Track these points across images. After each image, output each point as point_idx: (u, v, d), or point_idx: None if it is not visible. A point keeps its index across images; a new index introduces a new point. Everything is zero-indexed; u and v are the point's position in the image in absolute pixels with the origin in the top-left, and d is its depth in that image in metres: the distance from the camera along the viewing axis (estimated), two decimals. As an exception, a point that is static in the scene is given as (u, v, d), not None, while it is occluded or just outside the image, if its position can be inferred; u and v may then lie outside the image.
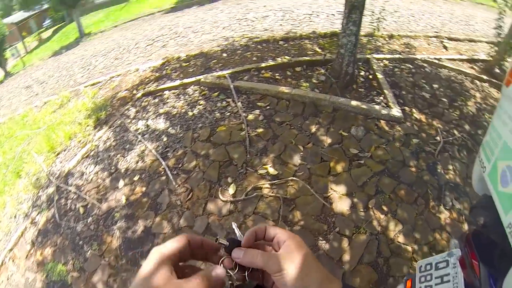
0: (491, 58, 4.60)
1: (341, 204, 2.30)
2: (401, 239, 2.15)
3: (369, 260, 2.00)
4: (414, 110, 3.28)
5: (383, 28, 4.97)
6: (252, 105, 3.12)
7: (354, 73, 3.35)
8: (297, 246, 0.44)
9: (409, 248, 2.10)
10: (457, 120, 3.36)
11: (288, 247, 0.44)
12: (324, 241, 2.07)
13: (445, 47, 4.91)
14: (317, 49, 4.15)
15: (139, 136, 3.14)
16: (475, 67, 4.58)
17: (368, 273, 1.93)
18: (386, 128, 2.93)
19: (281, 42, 4.43)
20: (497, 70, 4.59)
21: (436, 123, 3.20)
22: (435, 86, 3.76)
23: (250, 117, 2.98)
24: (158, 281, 0.36)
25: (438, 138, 2.99)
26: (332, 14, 5.88)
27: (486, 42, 5.50)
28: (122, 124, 3.46)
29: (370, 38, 4.56)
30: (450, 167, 2.75)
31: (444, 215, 2.34)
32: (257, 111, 3.04)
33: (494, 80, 4.31)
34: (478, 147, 2.87)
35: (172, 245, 0.41)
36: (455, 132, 3.14)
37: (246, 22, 5.74)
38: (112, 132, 3.44)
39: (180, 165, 2.74)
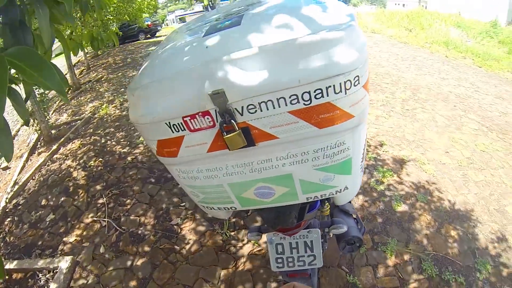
0: (40, 131, 4.37)
1: None
2: None
3: None
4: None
5: None
6: None
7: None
8: None
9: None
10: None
11: None
12: None
13: (5, 168, 4.17)
14: None
15: None
16: (42, 150, 4.24)
17: None
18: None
19: None
20: (53, 131, 4.51)
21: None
22: (44, 202, 3.19)
23: None
24: None
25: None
26: None
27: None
28: None
29: None
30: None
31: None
32: None
33: (62, 139, 4.23)
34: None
35: None
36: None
37: None
38: None
39: None
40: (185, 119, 0.69)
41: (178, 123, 0.71)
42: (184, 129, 0.72)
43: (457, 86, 5.25)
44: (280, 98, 0.61)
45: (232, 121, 0.64)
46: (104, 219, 2.76)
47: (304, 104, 0.61)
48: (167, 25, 35.57)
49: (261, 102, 0.62)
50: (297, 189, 0.87)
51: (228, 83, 0.61)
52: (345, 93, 0.62)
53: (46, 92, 4.43)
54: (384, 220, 2.37)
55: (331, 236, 1.41)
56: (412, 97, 4.64)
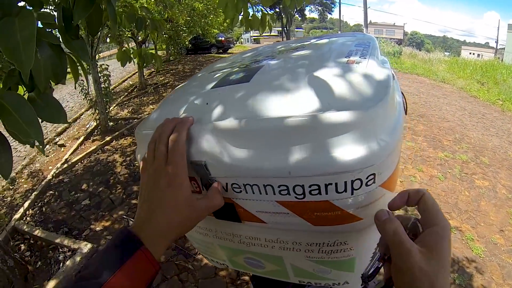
0: (98, 121, 4.72)
1: None
2: None
3: None
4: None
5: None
6: None
7: (13, 264, 2.44)
8: (437, 248, 0.35)
9: None
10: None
11: (425, 242, 0.36)
12: None
13: (61, 145, 4.55)
14: None
15: None
16: (97, 138, 4.56)
17: None
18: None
19: None
20: (111, 123, 4.82)
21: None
22: (84, 187, 3.39)
23: None
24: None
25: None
26: None
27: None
28: None
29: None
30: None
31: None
32: None
33: (116, 133, 4.48)
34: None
35: None
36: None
37: None
38: None
39: None
40: (173, 178, 0.62)
41: (168, 180, 0.64)
42: (175, 188, 0.65)
43: (527, 153, 4.62)
44: (267, 185, 0.49)
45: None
46: (132, 219, 2.83)
47: (295, 197, 0.48)
48: (241, 43, 36.57)
49: (246, 184, 0.51)
50: (288, 271, 0.75)
51: (210, 156, 0.51)
52: (351, 194, 0.47)
53: (110, 87, 4.78)
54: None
55: None
56: (474, 159, 4.15)
